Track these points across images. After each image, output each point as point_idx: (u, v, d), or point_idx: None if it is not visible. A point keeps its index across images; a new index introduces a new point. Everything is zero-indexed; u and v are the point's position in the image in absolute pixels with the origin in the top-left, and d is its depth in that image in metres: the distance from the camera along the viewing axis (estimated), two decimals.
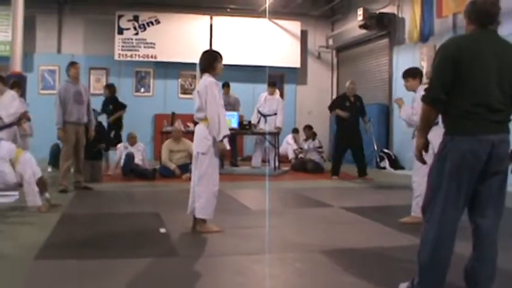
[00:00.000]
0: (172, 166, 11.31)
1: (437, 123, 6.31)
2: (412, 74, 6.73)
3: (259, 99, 13.94)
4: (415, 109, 6.31)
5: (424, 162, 3.83)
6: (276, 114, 13.48)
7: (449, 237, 3.55)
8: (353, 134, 11.80)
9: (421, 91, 6.43)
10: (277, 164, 12.95)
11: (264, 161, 13.70)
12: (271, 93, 13.70)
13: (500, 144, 3.43)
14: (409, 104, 6.67)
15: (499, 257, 3.57)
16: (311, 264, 4.77)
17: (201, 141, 5.97)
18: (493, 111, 3.42)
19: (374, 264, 4.79)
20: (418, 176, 6.35)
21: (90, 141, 9.61)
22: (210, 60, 6.09)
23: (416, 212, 6.31)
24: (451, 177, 3.47)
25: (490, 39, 3.53)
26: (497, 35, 3.69)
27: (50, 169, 11.73)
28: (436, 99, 3.51)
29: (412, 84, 6.65)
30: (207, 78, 5.98)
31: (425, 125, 3.71)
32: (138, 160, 11.53)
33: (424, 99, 3.60)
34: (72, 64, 9.35)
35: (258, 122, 13.53)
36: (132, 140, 11.86)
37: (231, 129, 12.62)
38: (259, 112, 13.63)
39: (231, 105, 13.58)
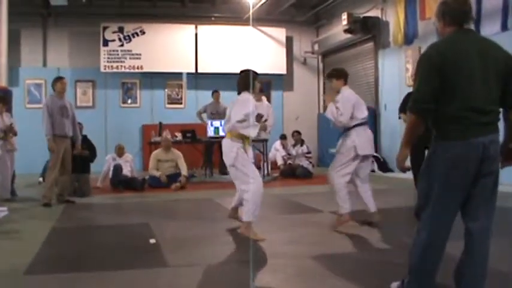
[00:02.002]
0: (158, 173, 11.28)
1: (361, 124, 6.53)
2: (335, 75, 6.79)
3: None
4: (340, 110, 6.48)
5: (405, 171, 3.78)
6: (266, 120, 13.47)
7: (441, 240, 3.54)
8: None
9: (344, 92, 6.55)
10: (266, 170, 12.96)
11: None
12: (258, 100, 13.68)
13: (491, 145, 3.41)
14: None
15: (491, 256, 3.57)
16: (302, 270, 4.76)
17: (226, 155, 6.21)
18: (481, 114, 3.39)
19: (365, 268, 4.80)
20: (332, 171, 6.60)
21: (75, 154, 9.52)
22: (247, 79, 6.39)
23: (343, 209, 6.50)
24: (443, 182, 3.44)
25: (470, 40, 3.50)
26: (476, 33, 3.69)
27: (41, 179, 11.70)
28: (423, 109, 3.44)
29: (336, 85, 6.72)
30: (245, 94, 6.38)
31: (411, 136, 3.57)
32: (126, 171, 11.50)
33: (411, 110, 3.50)
34: (59, 79, 9.27)
35: None
36: (119, 151, 11.83)
37: (216, 137, 12.76)
38: None
39: (220, 114, 13.59)
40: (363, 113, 6.59)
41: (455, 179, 3.43)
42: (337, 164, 6.52)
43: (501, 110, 3.54)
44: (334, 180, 6.51)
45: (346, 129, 6.56)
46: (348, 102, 6.50)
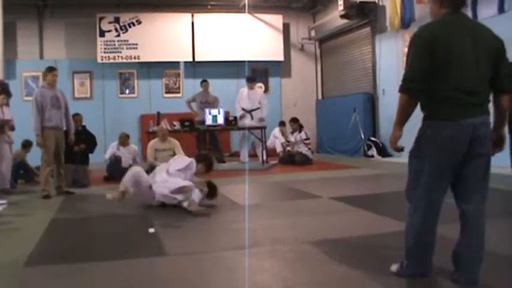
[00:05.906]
0: (157, 163, 11.16)
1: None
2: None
3: (240, 94, 13.90)
4: None
5: (399, 151, 3.77)
6: (259, 108, 13.56)
7: (433, 219, 3.60)
8: None
9: None
10: (265, 157, 12.97)
11: (251, 155, 13.79)
12: (251, 88, 13.75)
13: (481, 127, 3.45)
14: None
15: (487, 238, 3.60)
16: (301, 256, 4.78)
17: None
18: (471, 95, 3.42)
19: (364, 252, 4.81)
20: None
21: (70, 145, 9.51)
22: None
23: None
24: (433, 162, 3.49)
25: (462, 22, 3.53)
26: (467, 16, 3.70)
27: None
28: (414, 89, 3.47)
29: None
30: None
31: (403, 116, 3.58)
32: (126, 164, 10.89)
33: (402, 89, 3.53)
34: (51, 70, 9.13)
35: (241, 117, 13.53)
36: (123, 140, 11.47)
37: (214, 126, 12.79)
38: (242, 109, 13.64)
39: (210, 103, 13.66)
40: None
41: (445, 160, 3.46)
42: None
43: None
44: None
45: None
46: None
